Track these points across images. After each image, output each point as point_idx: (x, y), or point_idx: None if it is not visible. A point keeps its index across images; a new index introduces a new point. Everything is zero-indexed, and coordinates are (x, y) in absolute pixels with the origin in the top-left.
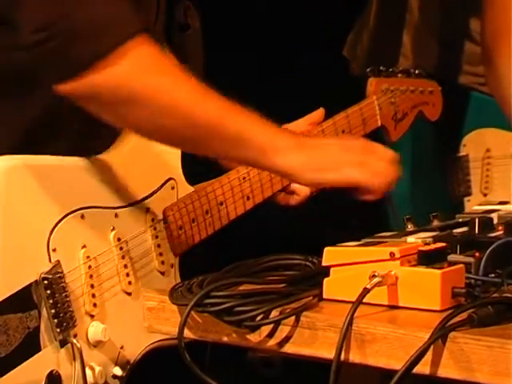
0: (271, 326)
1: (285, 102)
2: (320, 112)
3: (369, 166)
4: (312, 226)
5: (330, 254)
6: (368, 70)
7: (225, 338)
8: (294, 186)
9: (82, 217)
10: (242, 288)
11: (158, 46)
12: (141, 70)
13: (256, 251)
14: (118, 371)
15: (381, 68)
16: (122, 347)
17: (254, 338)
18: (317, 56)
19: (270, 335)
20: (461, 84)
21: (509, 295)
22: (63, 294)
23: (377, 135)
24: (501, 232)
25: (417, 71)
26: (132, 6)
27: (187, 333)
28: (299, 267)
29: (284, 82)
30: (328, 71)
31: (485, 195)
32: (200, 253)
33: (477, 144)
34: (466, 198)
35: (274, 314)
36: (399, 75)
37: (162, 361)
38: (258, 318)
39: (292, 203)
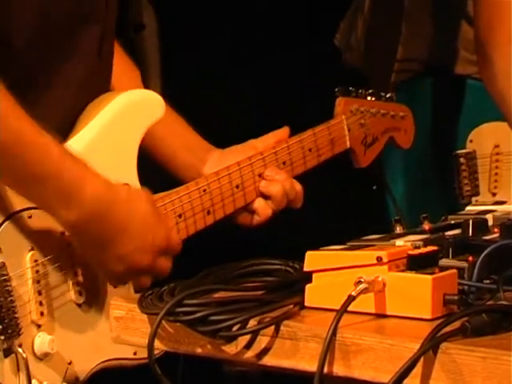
0: (249, 336)
1: (267, 93)
2: (285, 130)
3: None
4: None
5: (313, 259)
6: (336, 89)
7: (198, 350)
8: (256, 205)
9: (30, 217)
10: (217, 295)
11: None
12: None
13: (233, 256)
14: None
15: (350, 88)
16: (70, 363)
17: (230, 349)
18: (304, 45)
19: (248, 346)
20: (462, 74)
21: (504, 303)
22: (8, 299)
23: None
24: (496, 234)
25: (388, 95)
26: None
27: (158, 344)
28: (279, 273)
29: (265, 73)
30: (319, 61)
31: (494, 194)
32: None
33: (484, 139)
34: (473, 198)
35: (252, 323)
36: (369, 97)
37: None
38: (235, 327)
39: (253, 223)
